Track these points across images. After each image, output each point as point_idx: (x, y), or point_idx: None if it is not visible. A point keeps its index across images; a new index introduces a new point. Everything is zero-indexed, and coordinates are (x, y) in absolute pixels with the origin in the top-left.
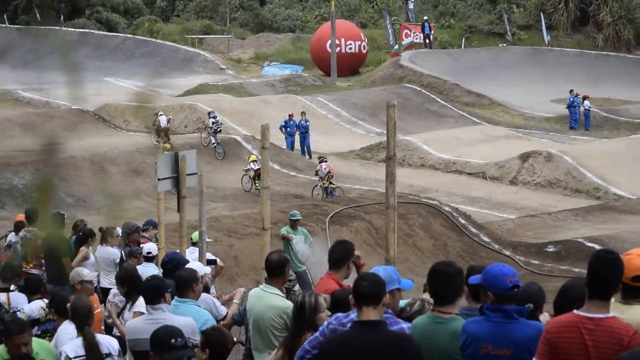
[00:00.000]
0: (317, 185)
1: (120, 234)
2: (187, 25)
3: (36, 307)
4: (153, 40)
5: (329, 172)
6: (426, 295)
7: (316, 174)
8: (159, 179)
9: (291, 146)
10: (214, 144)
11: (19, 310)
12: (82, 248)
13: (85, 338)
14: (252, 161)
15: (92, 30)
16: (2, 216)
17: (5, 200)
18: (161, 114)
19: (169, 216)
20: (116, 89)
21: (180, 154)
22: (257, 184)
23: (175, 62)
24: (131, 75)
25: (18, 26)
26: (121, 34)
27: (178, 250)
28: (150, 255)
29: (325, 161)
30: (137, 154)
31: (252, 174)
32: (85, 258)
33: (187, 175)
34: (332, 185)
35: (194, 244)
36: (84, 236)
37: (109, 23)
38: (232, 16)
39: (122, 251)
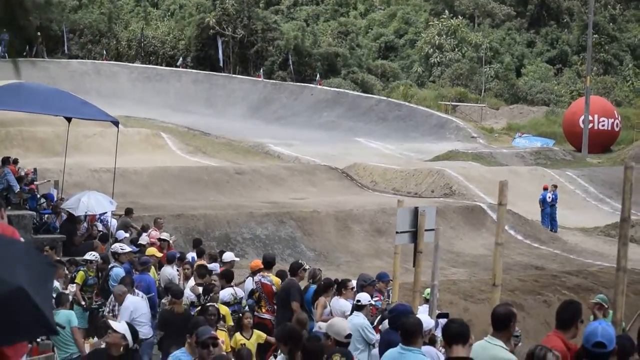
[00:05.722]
0: None
1: (355, 287)
2: (441, 91)
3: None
4: (407, 104)
5: None
6: None
7: None
8: (397, 232)
9: (548, 219)
10: None
11: None
12: (321, 298)
13: None
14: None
15: (347, 90)
16: (242, 265)
17: (247, 249)
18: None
19: (406, 277)
20: (366, 149)
21: (420, 208)
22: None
23: (427, 128)
24: (382, 137)
25: (274, 81)
26: (376, 96)
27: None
28: (360, 304)
29: None
30: (382, 214)
31: None
32: (324, 307)
33: (426, 230)
34: None
35: (427, 301)
36: (325, 286)
37: (365, 84)
38: (487, 85)
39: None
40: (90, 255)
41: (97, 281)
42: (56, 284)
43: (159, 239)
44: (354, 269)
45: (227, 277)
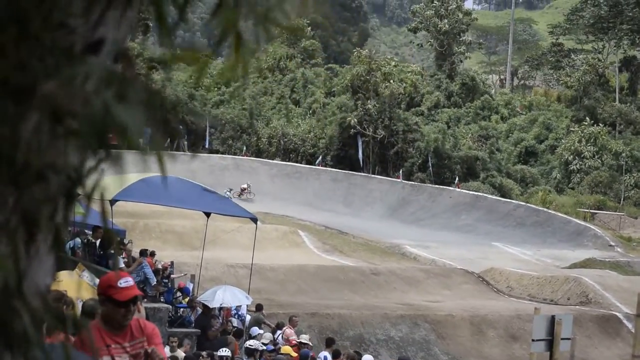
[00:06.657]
0: None
1: None
2: (580, 198)
3: None
4: (545, 210)
5: None
6: None
7: None
8: (533, 340)
9: None
10: None
11: None
12: None
13: None
14: None
15: (485, 194)
16: None
17: (381, 350)
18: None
19: None
20: (503, 254)
21: (557, 317)
22: None
23: (565, 234)
24: (520, 242)
25: (413, 183)
26: (514, 201)
27: None
28: None
29: None
30: (517, 320)
31: None
32: None
33: (562, 339)
34: None
35: None
36: None
37: (503, 189)
38: (626, 194)
39: None
40: (224, 352)
41: None
42: None
43: (300, 343)
44: None
45: None
